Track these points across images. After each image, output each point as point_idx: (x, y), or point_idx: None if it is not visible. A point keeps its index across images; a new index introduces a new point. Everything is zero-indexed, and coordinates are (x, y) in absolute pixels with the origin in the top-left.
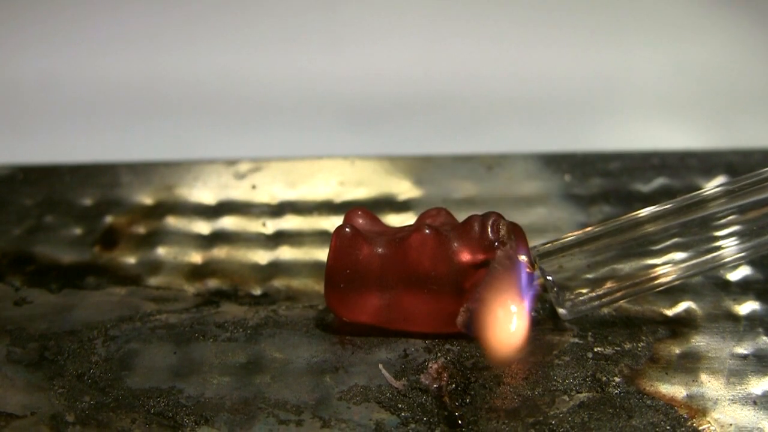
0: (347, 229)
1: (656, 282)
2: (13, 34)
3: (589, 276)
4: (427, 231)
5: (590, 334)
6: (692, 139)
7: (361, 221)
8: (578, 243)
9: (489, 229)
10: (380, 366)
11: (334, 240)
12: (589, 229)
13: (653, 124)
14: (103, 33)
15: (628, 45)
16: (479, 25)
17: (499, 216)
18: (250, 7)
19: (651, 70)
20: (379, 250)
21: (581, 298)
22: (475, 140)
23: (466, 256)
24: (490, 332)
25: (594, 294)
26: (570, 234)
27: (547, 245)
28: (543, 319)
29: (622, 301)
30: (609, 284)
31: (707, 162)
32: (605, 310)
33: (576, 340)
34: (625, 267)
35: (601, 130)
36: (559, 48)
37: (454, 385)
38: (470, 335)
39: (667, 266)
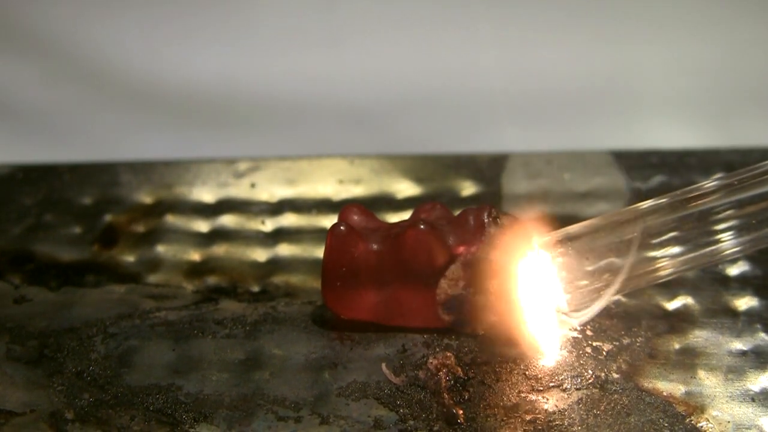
0: (342, 227)
1: (655, 275)
2: (12, 33)
3: (588, 268)
4: (422, 226)
5: (588, 327)
6: (691, 137)
7: (356, 218)
8: (577, 235)
9: (484, 222)
10: (383, 365)
11: (329, 238)
12: (589, 221)
13: (652, 123)
14: (102, 32)
15: (627, 45)
16: (478, 23)
17: (494, 208)
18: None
19: (649, 70)
20: (375, 246)
21: (580, 290)
22: (474, 139)
23: (461, 250)
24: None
25: (593, 286)
26: (569, 227)
27: (546, 237)
28: (541, 313)
29: (620, 294)
30: (608, 277)
31: (706, 161)
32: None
33: (574, 333)
34: (624, 260)
35: (600, 128)
36: (557, 47)
37: (452, 381)
38: (458, 328)
39: (666, 260)
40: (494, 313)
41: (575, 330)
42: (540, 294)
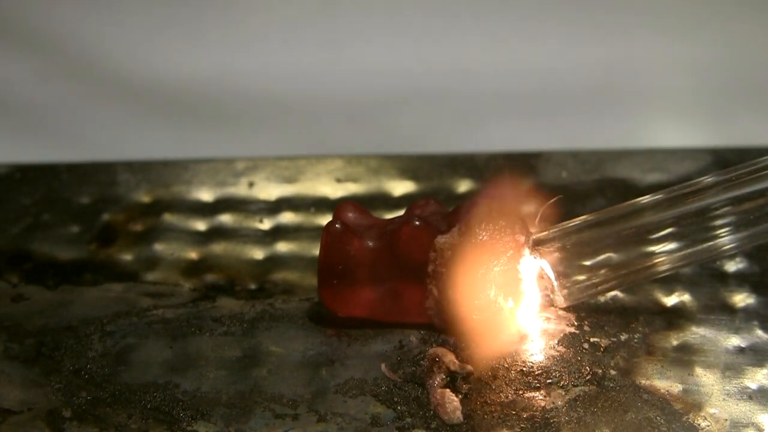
0: (337, 225)
1: (652, 271)
2: (9, 31)
3: (585, 263)
4: (416, 222)
5: (586, 323)
6: (688, 136)
7: (351, 215)
8: (575, 230)
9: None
10: (382, 366)
11: (325, 236)
12: (587, 217)
13: (649, 122)
14: (99, 30)
15: (624, 43)
16: (477, 21)
17: (489, 204)
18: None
19: (648, 68)
20: (370, 243)
21: (577, 285)
22: (472, 138)
23: (440, 241)
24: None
25: (590, 282)
26: (567, 222)
27: (544, 233)
28: (539, 308)
29: (617, 290)
30: (605, 272)
31: (703, 160)
32: (601, 299)
33: (572, 329)
34: (622, 255)
35: (597, 127)
36: (554, 44)
37: (449, 378)
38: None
39: (663, 255)
40: (474, 310)
41: (572, 325)
42: (531, 289)
